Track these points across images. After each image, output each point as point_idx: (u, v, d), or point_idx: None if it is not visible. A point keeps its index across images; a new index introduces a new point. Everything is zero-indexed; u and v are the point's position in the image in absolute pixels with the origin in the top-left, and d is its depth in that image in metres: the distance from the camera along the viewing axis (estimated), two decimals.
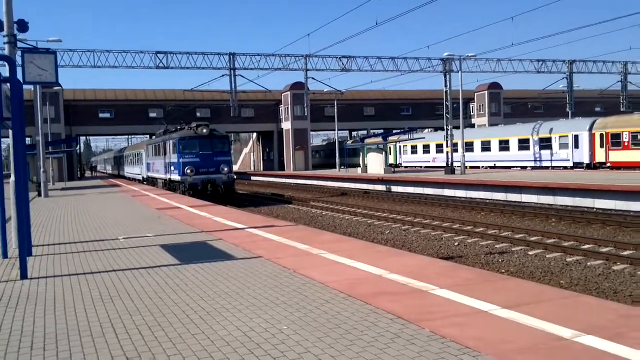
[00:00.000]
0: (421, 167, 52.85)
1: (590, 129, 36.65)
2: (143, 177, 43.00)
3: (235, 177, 30.04)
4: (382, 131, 59.08)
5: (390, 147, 54.95)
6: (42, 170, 27.93)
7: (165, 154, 32.03)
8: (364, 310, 5.53)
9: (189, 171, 27.99)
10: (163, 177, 32.96)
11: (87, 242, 11.25)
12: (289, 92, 60.89)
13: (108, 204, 21.37)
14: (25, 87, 10.32)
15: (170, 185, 30.88)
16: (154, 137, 50.68)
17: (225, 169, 28.72)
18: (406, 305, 5.63)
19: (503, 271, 12.33)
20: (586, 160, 36.76)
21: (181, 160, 28.39)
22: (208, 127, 29.53)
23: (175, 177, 29.26)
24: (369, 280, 6.79)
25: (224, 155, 29.36)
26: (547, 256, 13.49)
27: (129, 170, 53.27)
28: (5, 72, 8.97)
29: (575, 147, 37.58)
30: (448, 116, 39.93)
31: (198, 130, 29.25)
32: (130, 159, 52.46)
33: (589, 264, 12.52)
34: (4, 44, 11.73)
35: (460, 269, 7.46)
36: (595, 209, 21.67)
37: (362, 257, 8.27)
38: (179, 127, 32.73)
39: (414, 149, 54.84)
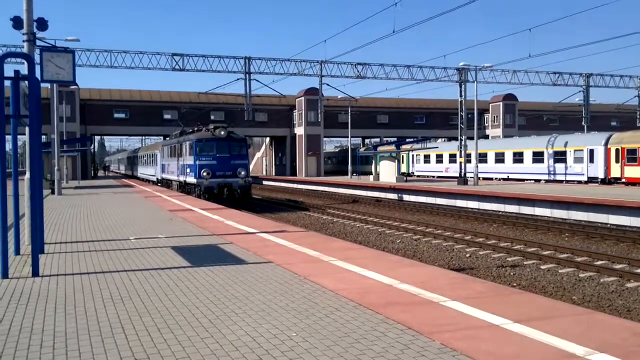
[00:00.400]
0: (433, 176, 52.66)
1: (606, 144, 36.33)
2: (157, 179, 42.23)
3: (251, 181, 28.91)
4: (395, 139, 58.97)
5: (402, 156, 54.82)
6: (56, 168, 28.14)
7: (180, 155, 31.25)
8: (374, 320, 5.49)
9: (204, 174, 27.01)
10: (178, 179, 32.22)
11: (99, 241, 11.30)
12: (302, 98, 60.99)
13: (120, 203, 21.47)
14: (41, 85, 10.41)
15: (185, 188, 30.06)
16: (168, 138, 50.73)
17: (242, 173, 27.61)
18: (417, 316, 5.58)
19: (514, 284, 12.23)
20: (601, 175, 36.43)
21: (197, 163, 27.44)
22: (226, 128, 28.54)
23: (191, 179, 28.35)
24: (380, 289, 6.74)
25: (242, 159, 28.34)
26: (560, 271, 13.35)
27: (143, 171, 52.74)
28: (24, 69, 9.05)
29: (590, 162, 37.27)
30: (462, 126, 39.78)
31: (215, 132, 28.36)
32: (144, 160, 51.91)
33: (602, 280, 12.38)
34: (23, 41, 11.80)
35: (471, 281, 7.39)
36: (609, 225, 21.45)
37: (372, 265, 8.22)
38: (195, 129, 31.81)
39: (427, 158, 54.66)
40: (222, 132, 28.11)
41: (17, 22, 14.19)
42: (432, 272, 8.00)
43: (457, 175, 39.72)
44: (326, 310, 5.88)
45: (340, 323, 5.41)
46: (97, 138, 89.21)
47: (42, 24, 16.20)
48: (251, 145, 72.31)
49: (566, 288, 11.87)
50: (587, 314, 6.01)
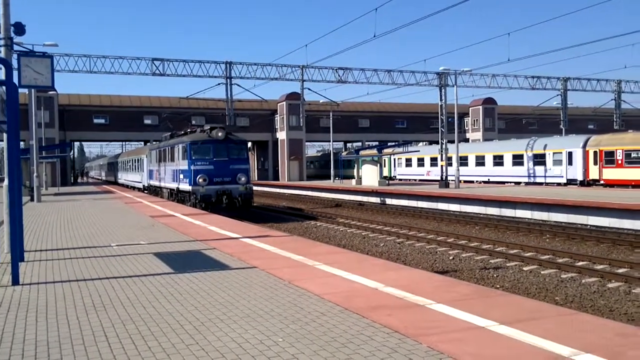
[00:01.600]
0: (415, 180, 52.89)
1: (584, 146, 36.81)
2: (144, 185, 39.32)
3: (253, 187, 25.84)
4: (376, 143, 59.15)
5: (384, 160, 55.00)
6: (35, 174, 27.76)
7: (172, 159, 28.25)
8: (360, 324, 5.48)
9: (201, 180, 24.14)
10: (169, 186, 29.15)
11: (80, 248, 11.14)
12: (284, 102, 60.93)
13: (101, 210, 21.23)
14: (19, 90, 10.25)
15: (178, 196, 27.15)
16: (154, 142, 50.03)
17: (243, 179, 24.79)
18: (403, 320, 5.58)
19: (498, 286, 12.30)
20: (580, 177, 36.89)
21: (192, 168, 24.57)
22: (224, 130, 25.50)
23: (185, 186, 25.48)
24: (365, 293, 6.73)
25: (242, 163, 25.50)
26: (542, 272, 13.47)
27: (127, 177, 49.81)
28: (1, 75, 8.91)
29: (568, 164, 37.72)
30: (443, 130, 40.03)
31: (212, 134, 25.38)
32: (129, 165, 48.80)
33: (583, 281, 12.51)
34: (0, 46, 11.64)
35: (456, 284, 7.42)
36: (589, 226, 21.71)
37: (357, 269, 8.21)
38: (188, 130, 29.03)
39: (409, 162, 54.91)
40: (220, 134, 25.20)
41: None
42: (416, 275, 8.01)
43: (439, 178, 39.95)
44: (312, 315, 5.85)
45: (327, 328, 5.38)
46: (76, 144, 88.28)
47: (20, 29, 16.01)
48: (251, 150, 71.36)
49: (549, 289, 11.97)
50: (571, 314, 6.06)
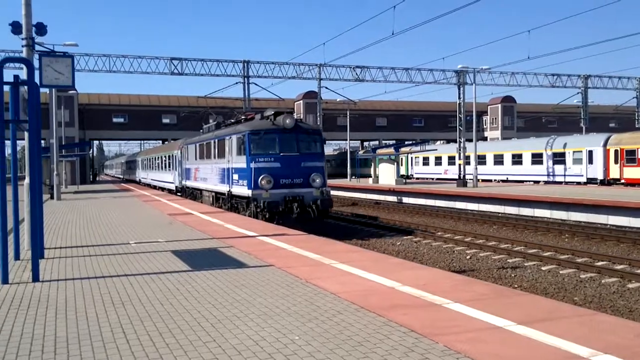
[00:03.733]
0: (433, 178, 52.65)
1: (605, 145, 36.35)
2: (176, 187, 33.72)
3: (330, 191, 20.01)
4: (393, 142, 59.00)
5: (401, 158, 54.84)
6: (55, 173, 28.10)
7: (220, 155, 22.35)
8: (377, 323, 5.47)
9: (264, 182, 18.28)
10: (216, 189, 23.29)
11: (98, 245, 11.27)
12: (301, 101, 61.00)
13: (119, 208, 21.43)
14: (40, 89, 10.39)
15: (226, 202, 21.45)
16: (167, 142, 49.76)
17: (317, 180, 18.85)
18: (419, 319, 5.56)
19: (516, 286, 12.21)
20: (600, 176, 36.44)
21: (252, 166, 18.62)
22: (292, 115, 19.63)
23: (241, 190, 19.56)
24: (381, 292, 6.72)
25: (316, 159, 19.41)
26: (561, 272, 13.34)
27: (154, 177, 43.90)
28: (23, 74, 9.04)
29: (589, 163, 37.28)
30: (461, 128, 39.79)
31: (277, 121, 19.39)
32: (156, 162, 42.81)
33: (603, 281, 12.36)
34: (22, 46, 11.79)
35: (473, 283, 7.37)
36: (609, 225, 21.44)
37: (373, 268, 8.20)
38: (242, 117, 22.80)
39: (426, 161, 54.66)
40: (288, 121, 19.13)
41: (16, 27, 14.21)
42: (433, 274, 7.97)
43: (456, 177, 39.73)
44: (328, 313, 5.86)
45: (343, 326, 5.38)
46: (95, 143, 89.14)
47: (41, 29, 16.24)
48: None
49: (567, 289, 11.85)
50: (590, 315, 5.99)
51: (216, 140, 23.04)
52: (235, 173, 20.22)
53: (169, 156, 36.58)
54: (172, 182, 34.98)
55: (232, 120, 24.30)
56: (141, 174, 52.98)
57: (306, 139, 19.54)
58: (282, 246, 10.63)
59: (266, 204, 17.95)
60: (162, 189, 39.06)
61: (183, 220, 16.05)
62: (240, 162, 19.60)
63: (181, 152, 31.97)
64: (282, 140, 19.01)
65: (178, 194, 32.89)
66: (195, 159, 27.49)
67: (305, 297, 6.59)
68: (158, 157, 41.63)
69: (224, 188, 21.64)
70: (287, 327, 5.38)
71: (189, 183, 29.58)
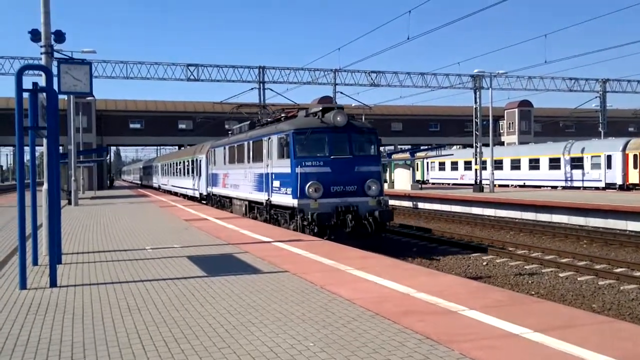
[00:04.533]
0: (449, 184, 52.39)
1: (624, 149, 35.94)
2: (201, 194, 31.00)
3: (388, 200, 17.29)
4: (409, 147, 58.82)
5: (417, 163, 54.64)
6: (72, 178, 28.40)
7: (255, 158, 19.69)
8: (392, 329, 5.44)
9: (312, 190, 15.62)
10: (250, 198, 20.35)
11: (115, 251, 11.35)
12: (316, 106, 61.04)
13: (136, 213, 21.59)
14: (59, 96, 10.51)
15: (270, 212, 18.22)
16: (183, 148, 49.63)
17: (374, 187, 16.12)
18: (435, 326, 5.52)
19: (533, 293, 12.08)
20: (619, 181, 36.01)
21: (298, 170, 15.84)
22: (344, 112, 16.66)
23: (284, 199, 16.70)
24: (396, 299, 6.69)
25: (371, 162, 16.63)
26: (579, 279, 13.18)
27: (175, 183, 41.18)
28: (42, 81, 9.15)
29: (607, 168, 36.87)
30: (477, 133, 39.57)
31: (326, 118, 16.46)
32: (177, 167, 39.92)
33: (621, 287, 12.19)
34: (41, 54, 11.93)
35: (489, 290, 7.31)
36: (628, 231, 21.16)
37: (388, 274, 8.17)
38: (282, 115, 19.51)
39: (442, 166, 54.43)
40: (339, 118, 16.29)
41: (35, 35, 14.38)
42: (449, 280, 7.92)
43: (473, 182, 39.49)
44: (343, 319, 5.84)
45: (358, 333, 5.36)
46: (112, 148, 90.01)
47: (60, 37, 16.42)
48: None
49: (585, 296, 11.70)
50: (608, 322, 5.91)
51: (251, 142, 20.23)
52: (276, 179, 17.34)
53: (192, 161, 33.71)
54: (196, 189, 32.36)
55: (269, 119, 20.98)
56: (161, 180, 50.77)
57: (360, 139, 16.78)
58: (296, 252, 10.63)
59: (315, 215, 15.22)
60: (185, 196, 36.50)
61: (199, 225, 16.12)
62: (283, 167, 16.78)
63: (207, 157, 29.25)
64: (332, 141, 16.25)
65: (203, 202, 30.08)
66: (224, 163, 24.72)
67: (320, 303, 6.58)
68: (180, 162, 38.71)
69: (261, 196, 18.79)
70: (302, 334, 5.37)
71: (217, 190, 26.82)
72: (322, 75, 45.64)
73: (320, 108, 16.85)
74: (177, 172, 40.11)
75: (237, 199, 22.63)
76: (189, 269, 9.01)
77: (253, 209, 20.35)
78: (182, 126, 61.92)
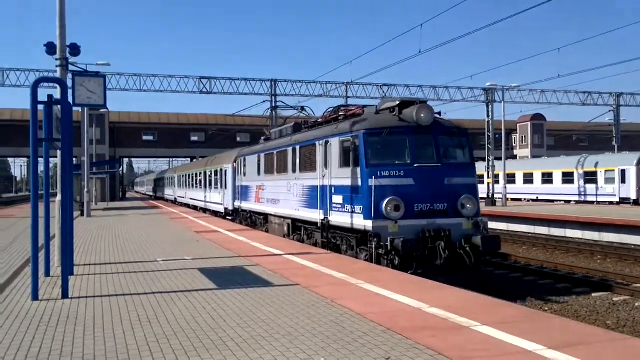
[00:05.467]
0: None
1: (638, 164, 35.62)
2: (226, 209, 27.47)
3: (487, 222, 13.25)
4: None
5: None
6: (85, 190, 28.60)
7: (304, 167, 15.94)
8: (404, 345, 5.39)
9: (391, 208, 11.99)
10: (296, 215, 16.56)
11: (127, 263, 11.38)
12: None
13: (147, 225, 21.67)
14: (73, 108, 10.61)
15: (327, 236, 14.35)
16: (195, 160, 49.46)
17: (470, 206, 12.55)
18: (447, 341, 5.46)
19: (546, 309, 11.94)
20: (633, 196, 35.67)
21: (372, 183, 12.22)
22: (428, 106, 13.04)
23: (350, 219, 12.98)
24: (408, 313, 6.63)
25: (465, 173, 13.06)
26: (592, 295, 13.02)
27: (193, 195, 38.55)
28: (57, 93, 9.25)
29: (621, 182, 36.55)
30: (489, 146, 39.41)
31: (405, 115, 12.95)
32: (198, 179, 36.89)
33: (636, 304, 12.02)
34: (56, 66, 12.08)
35: (502, 305, 7.24)
36: None
37: (400, 288, 8.11)
38: (341, 114, 15.23)
39: None
40: (424, 115, 12.74)
41: (50, 48, 14.59)
42: (461, 295, 7.85)
43: (485, 196, 39.28)
44: (354, 334, 5.80)
45: (369, 348, 5.32)
46: (125, 160, 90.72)
47: (75, 50, 16.63)
48: None
49: (600, 312, 11.55)
50: (622, 339, 5.83)
51: (297, 148, 16.31)
52: (338, 193, 13.51)
53: (216, 171, 30.37)
54: (221, 203, 28.89)
55: (320, 120, 16.72)
56: (177, 192, 47.90)
57: (449, 143, 13.13)
58: (307, 265, 10.60)
59: (400, 243, 11.36)
60: (205, 210, 33.48)
61: (210, 238, 16.14)
62: (347, 177, 12.94)
63: (234, 167, 25.86)
64: (415, 144, 12.53)
65: (228, 217, 26.70)
66: (258, 173, 20.84)
67: (331, 317, 6.54)
68: (201, 173, 35.31)
69: (312, 215, 14.88)
70: (312, 349, 5.34)
71: (247, 205, 22.81)
72: (333, 88, 45.73)
73: (397, 102, 13.02)
74: (197, 184, 37.04)
75: (275, 216, 18.63)
76: (200, 282, 9.00)
77: (298, 230, 16.52)
78: (194, 138, 62.32)
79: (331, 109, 16.17)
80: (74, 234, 10.69)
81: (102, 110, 49.51)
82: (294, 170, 16.74)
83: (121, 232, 18.66)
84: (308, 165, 15.54)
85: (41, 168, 11.37)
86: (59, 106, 8.72)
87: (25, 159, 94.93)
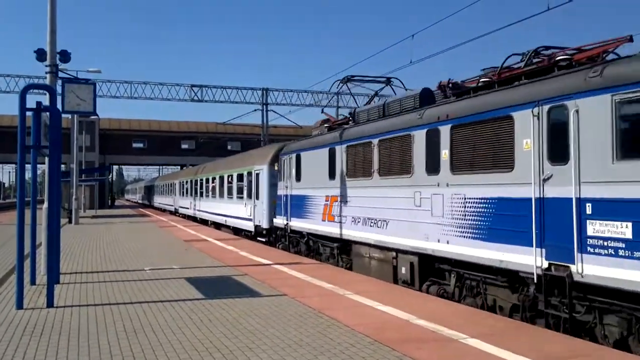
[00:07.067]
0: None
1: None
2: (259, 227, 20.18)
3: None
4: None
5: None
6: (74, 197, 28.40)
7: (469, 162, 9.12)
8: (391, 357, 5.36)
9: None
10: (443, 251, 9.51)
11: (114, 271, 11.28)
12: (319, 128, 61.28)
13: (135, 233, 21.53)
14: (62, 115, 10.55)
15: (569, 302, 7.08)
16: (185, 167, 48.98)
17: None
18: (435, 354, 5.44)
19: None
20: None
21: None
22: None
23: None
24: (396, 325, 6.61)
25: None
26: None
27: (207, 207, 29.93)
28: (45, 100, 9.19)
29: None
30: None
31: None
32: (207, 186, 30.17)
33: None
34: (46, 73, 12.02)
35: (491, 317, 7.22)
36: None
37: (388, 299, 8.09)
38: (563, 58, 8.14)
39: None
40: None
41: (40, 55, 14.51)
42: (450, 307, 7.83)
43: None
44: (341, 346, 5.76)
45: (356, 359, 5.29)
46: (115, 167, 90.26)
47: (65, 56, 16.55)
48: None
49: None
50: (615, 354, 5.79)
51: (447, 129, 9.63)
52: (618, 217, 6.49)
53: (240, 175, 23.20)
54: (247, 218, 21.51)
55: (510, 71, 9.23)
56: (179, 202, 40.48)
57: None
58: (296, 275, 10.56)
59: None
60: (218, 225, 26.90)
61: (199, 247, 16.06)
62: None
63: (272, 168, 19.56)
64: None
65: (260, 239, 19.85)
66: (332, 176, 14.00)
67: (318, 328, 6.50)
68: (215, 179, 28.23)
69: (504, 255, 8.19)
70: None
71: (303, 224, 15.71)
72: (325, 97, 45.89)
73: None
74: (208, 192, 29.66)
75: (374, 246, 11.93)
76: (188, 291, 8.93)
77: (440, 274, 10.01)
78: (184, 146, 62.14)
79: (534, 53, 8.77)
80: (60, 242, 10.59)
81: (92, 117, 49.33)
82: (432, 170, 9.91)
83: (109, 240, 18.52)
84: (485, 158, 8.81)
85: (29, 175, 11.28)
86: (48, 113, 8.65)
87: (14, 165, 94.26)
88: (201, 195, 31.84)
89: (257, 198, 20.48)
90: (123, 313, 7.35)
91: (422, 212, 10.05)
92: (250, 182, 21.55)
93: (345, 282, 9.62)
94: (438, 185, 9.67)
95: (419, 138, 10.27)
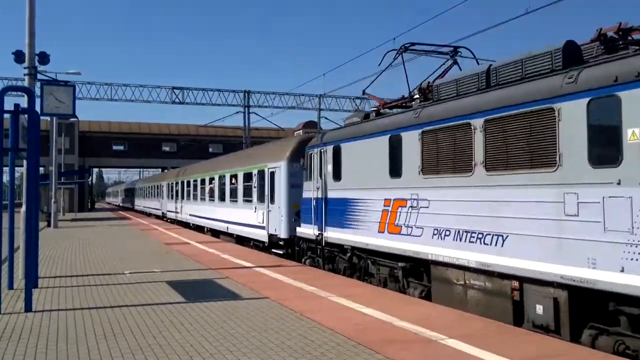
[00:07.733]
0: None
1: None
2: (274, 236, 16.82)
3: None
4: None
5: None
6: (53, 200, 28.07)
7: None
8: (373, 359, 5.38)
9: None
10: None
11: (93, 275, 11.17)
12: (301, 131, 61.24)
13: (116, 236, 21.34)
14: (41, 117, 10.43)
15: None
16: (167, 170, 48.51)
17: None
18: (416, 355, 5.47)
19: None
20: None
21: None
22: None
23: None
24: (378, 327, 6.63)
25: None
26: None
27: (198, 211, 27.36)
28: (24, 102, 9.09)
29: None
30: None
31: None
32: (202, 187, 26.62)
33: None
34: (24, 75, 11.88)
35: (474, 319, 7.27)
36: None
37: (370, 302, 8.11)
38: None
39: None
40: None
41: (18, 56, 14.31)
42: (433, 309, 7.88)
43: None
44: (323, 348, 5.77)
45: None
46: (95, 170, 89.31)
47: (44, 58, 16.35)
48: None
49: None
50: (602, 357, 5.78)
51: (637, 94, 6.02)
52: None
53: (248, 175, 20.00)
54: (260, 226, 18.16)
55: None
56: (167, 205, 36.88)
57: None
58: (278, 278, 10.54)
59: None
60: (217, 232, 23.60)
61: (180, 249, 15.96)
62: None
63: (288, 166, 16.64)
64: None
65: (276, 251, 16.59)
66: (394, 174, 10.56)
67: (299, 331, 6.50)
68: (213, 179, 24.72)
69: None
70: None
71: (344, 235, 12.27)
72: (307, 100, 45.97)
73: None
74: (204, 194, 26.02)
75: (482, 271, 8.24)
76: (168, 295, 8.87)
77: (608, 316, 6.60)
78: (166, 149, 61.79)
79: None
80: (39, 246, 10.46)
81: (71, 120, 48.81)
82: (605, 161, 6.48)
83: (88, 243, 18.32)
84: None
85: (6, 178, 11.13)
86: (26, 115, 8.55)
87: None
88: (195, 198, 28.22)
89: (272, 202, 17.09)
90: (102, 317, 7.28)
91: (582, 225, 6.61)
92: (260, 184, 18.37)
93: (328, 286, 9.63)
94: (619, 184, 6.21)
95: (573, 112, 6.83)
